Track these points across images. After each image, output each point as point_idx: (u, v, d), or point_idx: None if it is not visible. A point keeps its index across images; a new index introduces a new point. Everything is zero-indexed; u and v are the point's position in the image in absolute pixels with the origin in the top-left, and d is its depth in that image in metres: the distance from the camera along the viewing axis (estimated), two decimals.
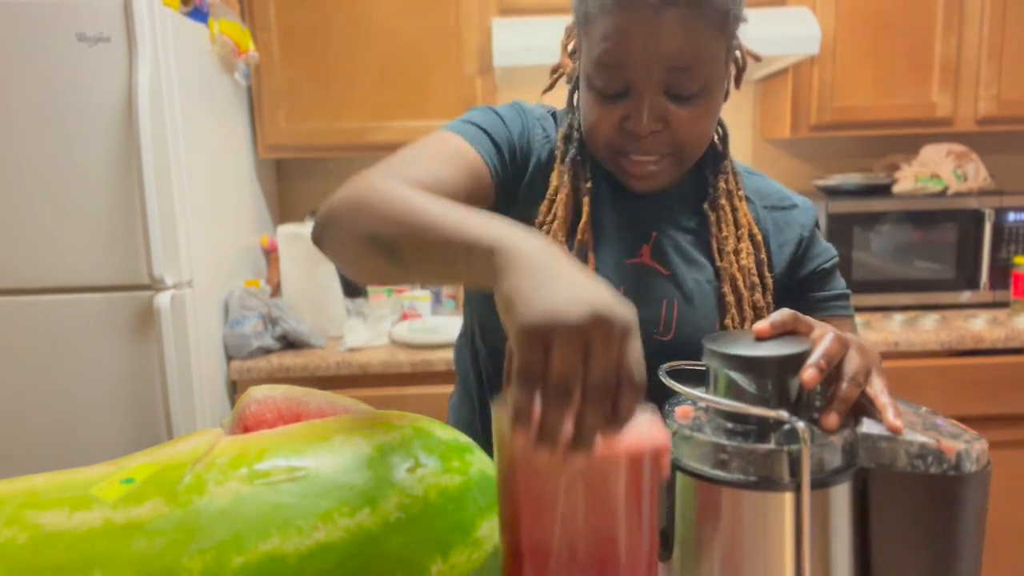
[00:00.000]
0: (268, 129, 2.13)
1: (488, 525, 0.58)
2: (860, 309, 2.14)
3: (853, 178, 2.22)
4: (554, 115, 0.93)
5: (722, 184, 0.89)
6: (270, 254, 2.22)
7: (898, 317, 2.06)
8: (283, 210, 2.48)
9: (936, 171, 2.17)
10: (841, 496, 0.54)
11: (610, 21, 0.76)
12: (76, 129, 1.59)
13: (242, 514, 0.50)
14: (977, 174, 2.16)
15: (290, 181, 2.47)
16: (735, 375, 0.57)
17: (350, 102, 2.11)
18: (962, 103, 2.10)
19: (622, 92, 0.79)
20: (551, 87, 0.96)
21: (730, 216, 0.89)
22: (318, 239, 0.71)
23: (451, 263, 0.57)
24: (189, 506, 0.50)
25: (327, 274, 2.05)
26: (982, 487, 0.53)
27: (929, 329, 1.92)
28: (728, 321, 0.85)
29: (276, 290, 2.16)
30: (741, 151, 2.47)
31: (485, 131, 0.85)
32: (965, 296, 2.13)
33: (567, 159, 0.88)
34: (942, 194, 2.14)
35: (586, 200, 0.87)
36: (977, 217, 2.09)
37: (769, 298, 0.88)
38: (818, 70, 2.08)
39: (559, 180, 0.87)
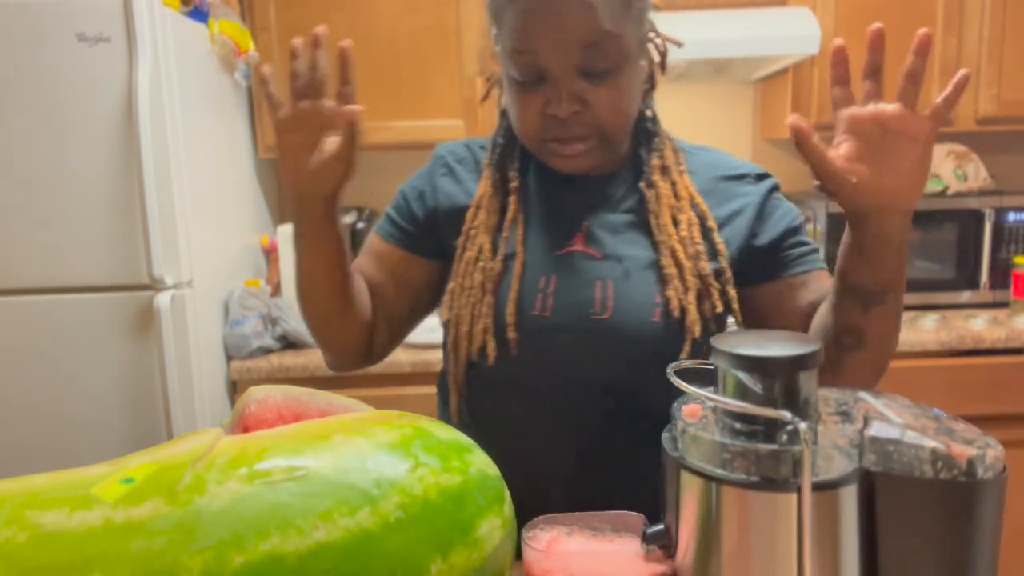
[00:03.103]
0: (268, 129, 2.13)
1: (487, 524, 0.58)
2: None
3: None
4: (483, 145, 0.97)
5: (655, 161, 0.90)
6: (270, 254, 2.22)
7: None
8: (283, 210, 2.48)
9: (936, 171, 2.17)
10: (848, 499, 0.53)
11: (518, 7, 0.80)
12: (76, 129, 1.59)
13: (242, 514, 0.50)
14: (977, 174, 2.16)
15: None
16: (742, 375, 0.57)
17: None
18: (962, 103, 2.10)
19: (539, 78, 0.82)
20: (487, 95, 1.00)
21: (669, 190, 0.89)
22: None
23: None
24: (189, 506, 0.50)
25: None
26: (996, 494, 0.52)
27: (929, 329, 1.92)
28: (671, 292, 0.84)
29: (276, 290, 2.16)
30: (741, 151, 2.47)
31: (391, 218, 0.98)
32: (965, 296, 2.13)
33: (492, 163, 0.92)
34: (942, 194, 2.14)
35: (512, 199, 0.90)
36: (977, 217, 2.09)
37: (725, 264, 0.87)
38: (818, 70, 2.08)
39: (484, 187, 0.91)
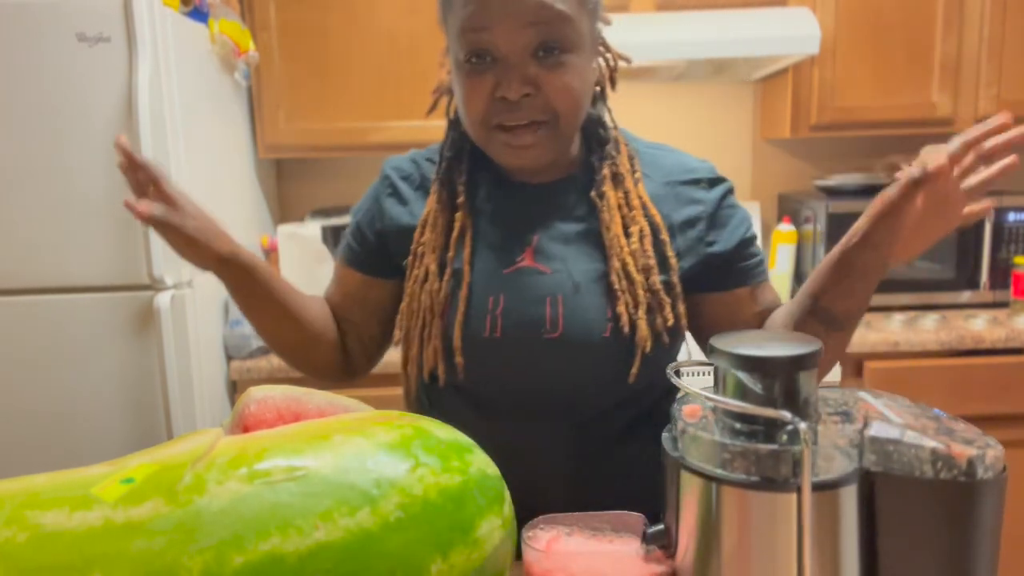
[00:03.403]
0: (268, 129, 2.13)
1: (487, 524, 0.58)
2: None
3: (853, 178, 2.22)
4: (430, 157, 0.96)
5: (606, 170, 0.88)
6: (270, 254, 2.22)
7: (898, 317, 2.06)
8: (283, 210, 2.48)
9: None
10: (848, 499, 0.53)
11: None
12: (76, 129, 1.59)
13: (242, 514, 0.50)
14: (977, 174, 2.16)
15: (290, 181, 2.47)
16: (742, 375, 0.57)
17: (350, 102, 2.11)
18: (962, 103, 2.10)
19: (490, 59, 0.80)
20: (434, 107, 0.97)
21: (622, 200, 0.87)
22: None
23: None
24: (189, 506, 0.50)
25: (327, 274, 2.04)
26: (996, 494, 0.52)
27: (929, 329, 1.92)
28: (621, 308, 0.83)
29: None
30: (741, 151, 2.48)
31: (348, 243, 0.99)
32: (965, 296, 2.13)
33: (439, 177, 0.90)
34: None
35: (458, 216, 0.88)
36: None
37: (675, 279, 0.86)
38: (818, 70, 2.08)
39: (431, 203, 0.90)
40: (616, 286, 0.84)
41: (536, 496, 0.81)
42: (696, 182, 0.90)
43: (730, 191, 0.92)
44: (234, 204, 2.05)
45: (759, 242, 2.42)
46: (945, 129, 2.13)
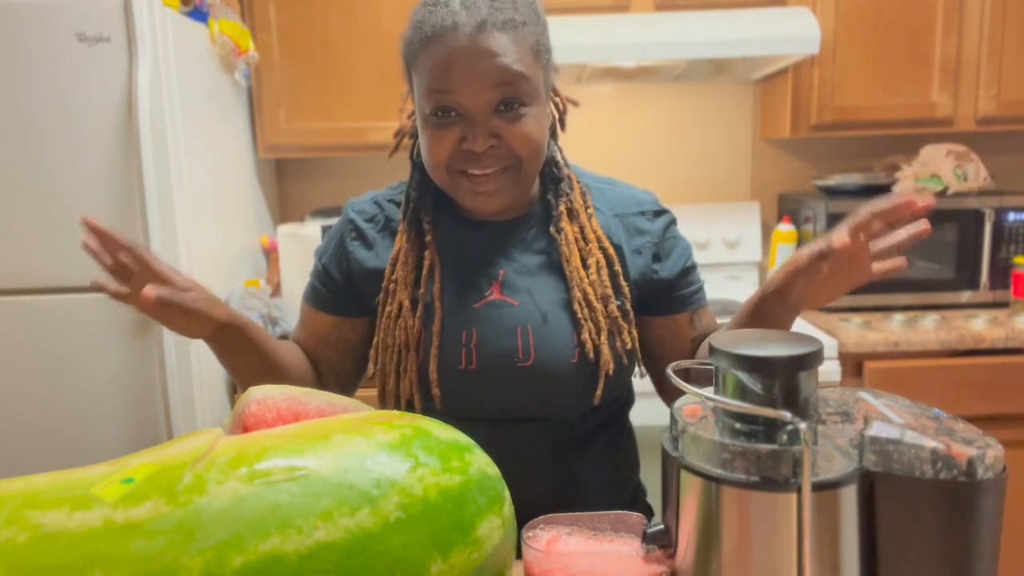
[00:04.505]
0: (268, 129, 2.13)
1: (487, 524, 0.58)
2: (860, 309, 2.14)
3: (853, 178, 2.22)
4: (392, 198, 0.99)
5: (562, 207, 0.94)
6: (270, 254, 2.22)
7: (898, 317, 2.06)
8: (283, 210, 2.48)
9: (936, 171, 2.17)
10: (848, 499, 0.53)
11: (434, 50, 0.83)
12: (76, 129, 1.59)
13: (242, 514, 0.50)
14: (977, 174, 2.16)
15: (290, 181, 2.47)
16: (742, 375, 0.57)
17: (350, 102, 2.11)
18: (962, 103, 2.10)
19: (455, 115, 0.85)
20: (396, 149, 1.03)
21: (578, 234, 0.93)
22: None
23: None
24: (189, 506, 0.50)
25: None
26: (996, 494, 0.52)
27: (929, 329, 1.92)
28: (585, 335, 0.89)
29: (276, 290, 2.16)
30: (741, 151, 2.47)
31: (315, 287, 1.02)
32: (965, 296, 2.13)
33: (406, 217, 0.95)
34: (942, 194, 2.14)
35: (427, 253, 0.93)
36: (977, 217, 2.09)
37: (628, 305, 0.93)
38: (818, 70, 2.08)
39: (399, 242, 0.94)
40: (579, 315, 0.90)
41: (513, 495, 0.82)
42: (642, 213, 0.97)
43: (672, 222, 0.99)
44: (234, 204, 2.05)
45: (759, 244, 2.41)
46: (945, 129, 2.13)
